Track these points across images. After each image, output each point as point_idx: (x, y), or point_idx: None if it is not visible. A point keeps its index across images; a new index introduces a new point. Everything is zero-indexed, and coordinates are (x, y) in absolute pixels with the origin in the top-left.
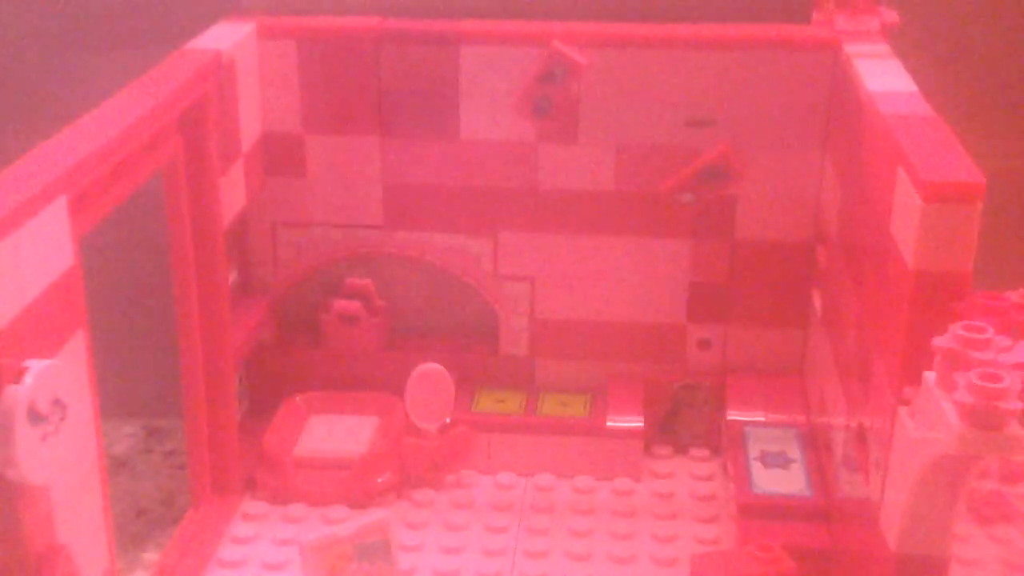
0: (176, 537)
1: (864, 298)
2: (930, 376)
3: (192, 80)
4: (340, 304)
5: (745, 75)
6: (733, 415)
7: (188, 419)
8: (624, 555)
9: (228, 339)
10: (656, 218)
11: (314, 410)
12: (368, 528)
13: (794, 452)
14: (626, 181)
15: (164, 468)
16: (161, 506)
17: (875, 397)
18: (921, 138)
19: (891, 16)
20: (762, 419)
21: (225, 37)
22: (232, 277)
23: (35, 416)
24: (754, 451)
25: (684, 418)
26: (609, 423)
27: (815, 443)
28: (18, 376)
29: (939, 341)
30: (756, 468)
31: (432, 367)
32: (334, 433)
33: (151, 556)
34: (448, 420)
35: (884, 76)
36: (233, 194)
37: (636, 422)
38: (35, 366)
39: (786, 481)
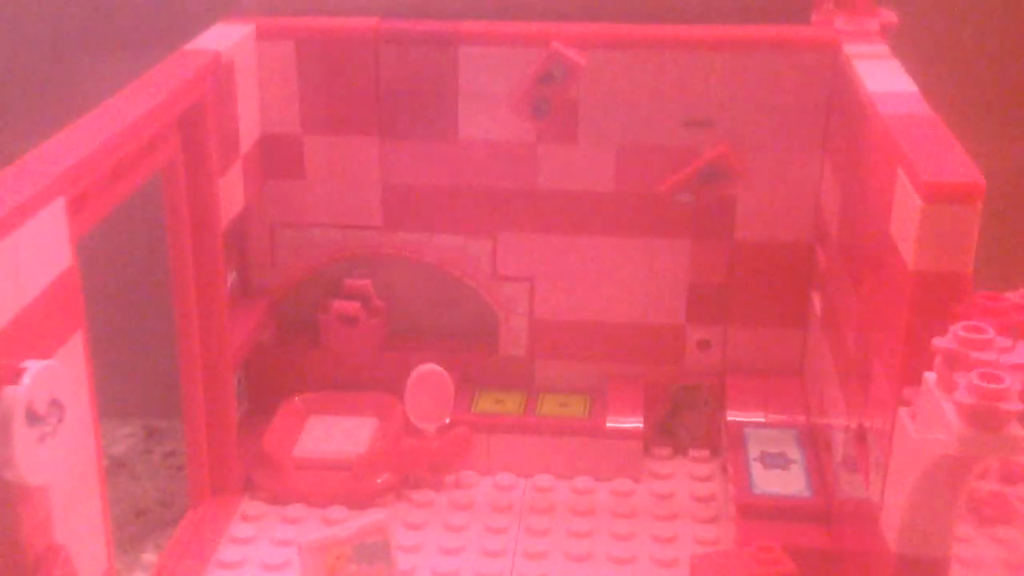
0: (175, 538)
1: (864, 299)
2: (930, 377)
3: (191, 81)
4: (339, 305)
5: (744, 76)
6: (733, 416)
7: (187, 420)
8: (623, 556)
9: (227, 340)
10: (655, 219)
11: (313, 411)
12: (367, 529)
13: (794, 453)
14: (625, 182)
15: (163, 469)
16: (160, 507)
17: (875, 398)
18: (921, 138)
19: (890, 17)
20: (762, 420)
21: (224, 38)
22: (231, 278)
23: (33, 417)
24: (754, 452)
25: (684, 419)
26: (609, 424)
27: (815, 444)
28: (16, 377)
29: (939, 342)
30: (756, 469)
31: (431, 368)
32: (333, 434)
33: (150, 557)
34: (447, 421)
35: (884, 77)
36: (232, 195)
37: (636, 423)
38: (33, 367)
39: (786, 482)
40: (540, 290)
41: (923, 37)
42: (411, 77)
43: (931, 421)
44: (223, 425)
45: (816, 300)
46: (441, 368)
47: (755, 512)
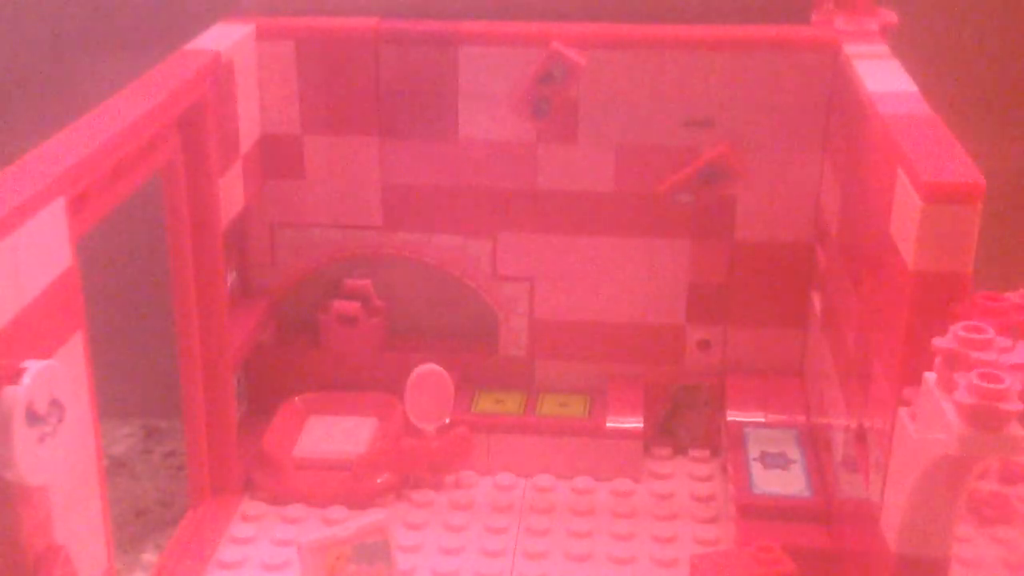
0: (175, 538)
1: (864, 299)
2: (930, 377)
3: (191, 81)
4: (339, 305)
5: (744, 75)
6: (733, 416)
7: (187, 420)
8: (623, 556)
9: (227, 340)
10: (655, 218)
11: (313, 411)
12: (367, 529)
13: (794, 453)
14: (625, 182)
15: (163, 469)
16: (160, 507)
17: (875, 398)
18: (921, 139)
19: (890, 17)
20: (762, 420)
21: (224, 38)
22: (231, 278)
23: (33, 417)
24: (754, 452)
25: (684, 419)
26: (609, 424)
27: (815, 444)
28: (16, 377)
29: (939, 342)
30: (756, 469)
31: (431, 368)
32: (333, 434)
33: (150, 557)
34: (447, 421)
35: (884, 77)
36: (232, 195)
37: (636, 423)
38: (33, 367)
39: (786, 482)
40: (540, 290)
41: (923, 37)
42: (411, 77)
43: (931, 421)
44: (223, 425)
45: (816, 300)
46: (441, 368)
47: (755, 512)
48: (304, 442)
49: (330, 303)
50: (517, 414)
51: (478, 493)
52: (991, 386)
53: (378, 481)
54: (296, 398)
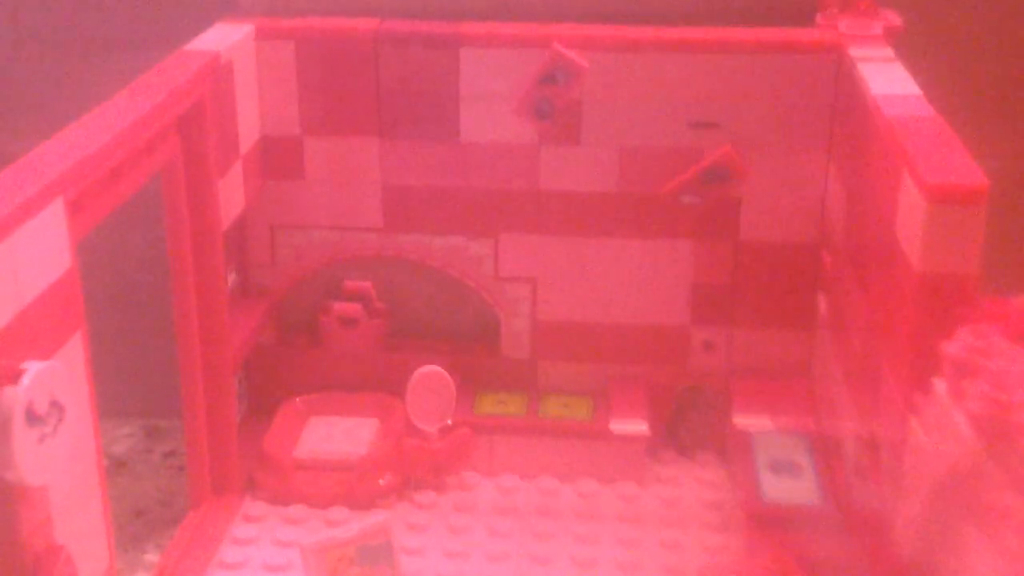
0: (176, 538)
1: (870, 301)
2: (940, 385)
3: (190, 82)
4: (340, 306)
5: (749, 77)
6: (740, 421)
7: (187, 420)
8: (630, 562)
9: (227, 341)
10: (659, 220)
11: (314, 411)
12: (369, 530)
13: (804, 459)
14: (629, 183)
15: (163, 469)
16: (160, 507)
17: (885, 404)
18: (925, 140)
19: (894, 20)
20: (769, 424)
21: (223, 38)
22: (231, 279)
23: (33, 417)
24: (762, 459)
25: (688, 421)
26: (612, 426)
27: (825, 450)
28: (16, 377)
29: (948, 349)
30: (765, 476)
31: (433, 369)
32: (334, 435)
33: (151, 557)
34: (449, 422)
35: (888, 79)
36: (232, 196)
37: (640, 425)
38: (33, 367)
39: (797, 490)
40: (542, 291)
41: (926, 40)
42: (412, 78)
43: (942, 430)
44: (223, 425)
45: (822, 303)
46: (442, 369)
47: (765, 521)
48: (305, 442)
49: (331, 304)
50: (520, 415)
51: (481, 495)
52: (1003, 396)
53: (380, 482)
54: (297, 398)
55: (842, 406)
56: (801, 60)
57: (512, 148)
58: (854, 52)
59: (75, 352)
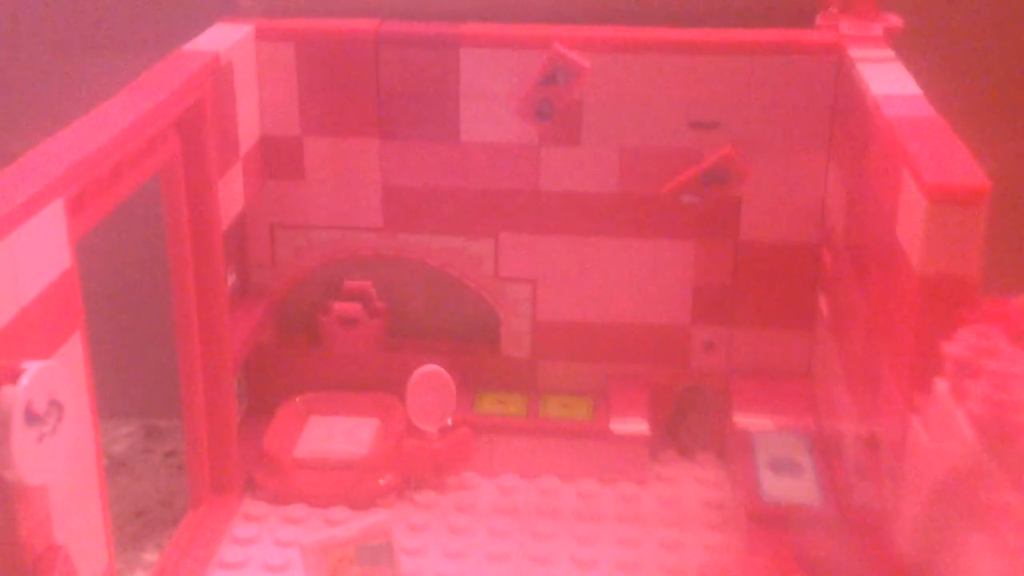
0: (176, 537)
1: (870, 301)
2: (942, 385)
3: (190, 82)
4: (340, 306)
5: (749, 78)
6: (740, 420)
7: (187, 419)
8: (631, 562)
9: (227, 340)
10: (660, 220)
11: (314, 411)
12: (370, 530)
13: (804, 459)
14: (630, 183)
15: (163, 469)
16: (160, 507)
17: (885, 404)
18: (925, 141)
19: (894, 20)
20: (770, 424)
21: (223, 39)
22: (231, 279)
23: (32, 417)
24: (763, 458)
25: (689, 421)
26: (613, 426)
27: (825, 450)
28: (15, 377)
29: (950, 349)
30: (765, 476)
31: (433, 369)
32: (334, 434)
33: (150, 557)
34: (449, 422)
35: (888, 80)
36: (232, 196)
37: (640, 425)
38: (32, 367)
39: (797, 489)
40: (542, 291)
41: (927, 40)
42: (412, 79)
43: (944, 430)
44: (223, 425)
45: (822, 303)
46: (442, 369)
47: (766, 520)
48: (305, 442)
49: (331, 304)
50: (520, 415)
51: (481, 495)
52: (1005, 397)
53: (380, 482)
54: (297, 398)
55: (842, 406)
56: (801, 61)
57: (512, 148)
58: (854, 53)
59: (74, 351)
